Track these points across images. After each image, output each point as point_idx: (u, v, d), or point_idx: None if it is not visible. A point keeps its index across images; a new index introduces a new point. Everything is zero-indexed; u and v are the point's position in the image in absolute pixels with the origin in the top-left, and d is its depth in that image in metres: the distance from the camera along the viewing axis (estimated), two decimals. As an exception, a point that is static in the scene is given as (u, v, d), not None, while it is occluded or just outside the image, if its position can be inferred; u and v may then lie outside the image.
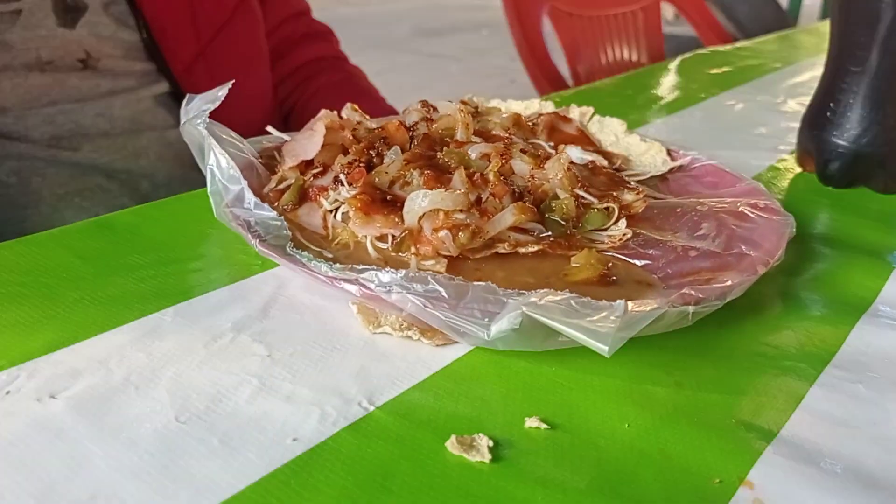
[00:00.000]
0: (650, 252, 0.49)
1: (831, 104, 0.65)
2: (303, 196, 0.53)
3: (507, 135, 0.60)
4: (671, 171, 0.62)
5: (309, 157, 0.55)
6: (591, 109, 0.68)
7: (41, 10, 0.73)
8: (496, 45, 4.78)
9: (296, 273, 0.44)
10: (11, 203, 0.72)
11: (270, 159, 0.58)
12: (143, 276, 0.46)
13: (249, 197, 0.48)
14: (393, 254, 0.47)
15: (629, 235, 0.50)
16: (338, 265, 0.41)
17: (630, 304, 0.38)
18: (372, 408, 0.35)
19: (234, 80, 0.53)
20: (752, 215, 0.52)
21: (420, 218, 0.47)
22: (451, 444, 0.33)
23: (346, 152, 0.55)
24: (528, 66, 1.62)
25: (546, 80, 1.60)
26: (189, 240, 0.51)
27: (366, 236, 0.48)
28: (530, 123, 0.65)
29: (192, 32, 0.84)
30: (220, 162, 0.49)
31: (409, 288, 0.39)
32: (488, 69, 4.40)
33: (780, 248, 0.47)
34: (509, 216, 0.48)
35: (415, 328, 0.41)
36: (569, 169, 0.53)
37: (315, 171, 0.54)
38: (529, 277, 0.46)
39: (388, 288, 0.40)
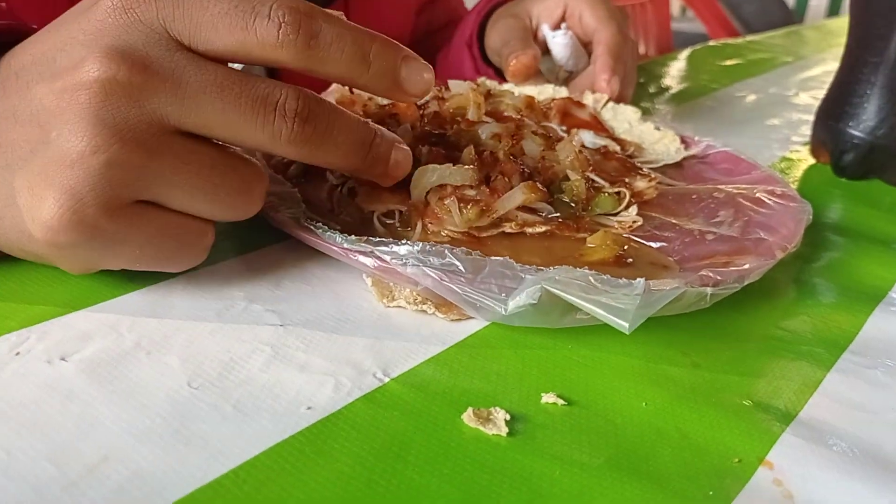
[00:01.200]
0: (666, 235, 0.49)
1: (848, 95, 0.65)
2: (309, 170, 0.52)
3: (519, 116, 0.60)
4: (686, 158, 0.61)
5: (319, 132, 0.54)
6: (605, 96, 0.67)
7: None
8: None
9: (309, 245, 0.44)
10: None
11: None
12: (154, 244, 0.45)
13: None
14: (399, 230, 0.47)
15: (639, 223, 0.49)
16: (353, 237, 0.41)
17: (651, 281, 0.38)
18: (387, 379, 0.35)
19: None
20: (768, 201, 0.51)
21: (427, 193, 0.47)
22: (468, 417, 0.32)
23: (356, 128, 0.54)
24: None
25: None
26: (199, 211, 0.50)
27: (372, 212, 0.48)
28: (543, 107, 0.64)
29: None
30: (233, 133, 0.48)
31: (426, 261, 0.39)
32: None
33: (797, 234, 0.47)
34: (519, 195, 0.47)
35: (429, 302, 0.40)
36: (580, 152, 0.53)
37: (324, 145, 0.53)
38: (536, 258, 0.46)
39: (404, 261, 0.39)
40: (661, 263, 0.46)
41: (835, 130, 0.66)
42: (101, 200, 0.34)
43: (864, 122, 0.64)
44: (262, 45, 0.35)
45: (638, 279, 0.37)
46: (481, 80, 0.70)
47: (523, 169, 0.50)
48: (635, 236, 0.49)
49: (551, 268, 0.38)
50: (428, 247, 0.39)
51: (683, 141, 0.63)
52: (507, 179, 0.48)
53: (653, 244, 0.48)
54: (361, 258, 0.40)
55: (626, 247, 0.47)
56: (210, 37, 0.35)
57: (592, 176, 0.52)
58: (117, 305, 0.39)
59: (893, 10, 0.61)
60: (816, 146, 0.70)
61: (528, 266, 0.39)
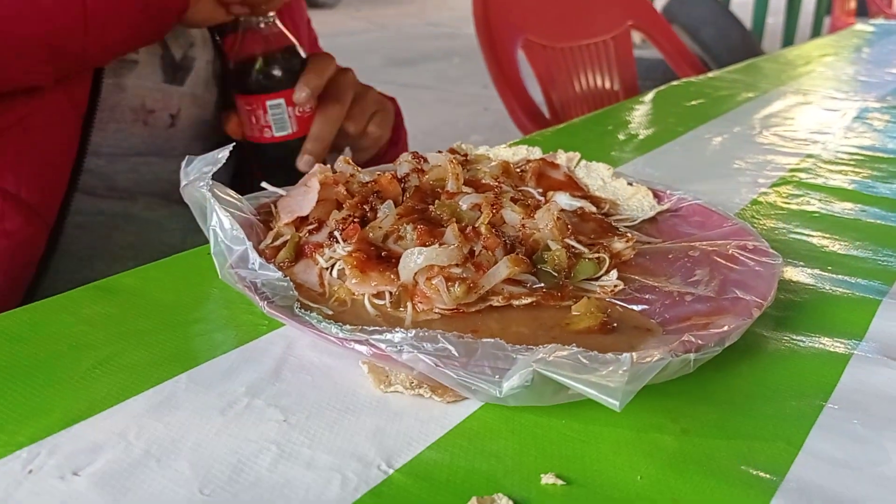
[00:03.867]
0: (646, 297, 0.50)
1: None
2: (298, 252, 0.54)
3: (496, 183, 0.62)
4: (659, 212, 0.63)
5: (304, 214, 0.56)
6: (578, 155, 0.69)
7: (151, 64, 0.81)
8: (468, 73, 4.83)
9: (304, 333, 0.45)
10: (70, 255, 0.79)
11: (268, 215, 0.59)
12: (153, 341, 0.46)
13: (254, 257, 0.48)
14: (391, 311, 0.48)
15: (620, 286, 0.51)
16: (348, 326, 0.42)
17: (635, 354, 0.39)
18: (391, 471, 0.36)
19: (234, 143, 0.54)
20: (741, 258, 0.53)
21: (415, 274, 0.48)
22: (473, 506, 0.34)
23: (340, 207, 0.56)
24: (504, 97, 1.65)
25: (522, 111, 1.62)
26: (193, 301, 0.52)
27: (363, 294, 0.49)
28: (518, 170, 0.66)
29: None
30: (224, 223, 0.50)
31: (420, 347, 0.40)
32: (461, 97, 4.45)
33: (771, 290, 0.49)
34: (503, 269, 0.49)
35: (425, 386, 0.42)
36: (558, 218, 0.54)
37: (310, 227, 0.55)
38: (524, 328, 0.47)
39: (399, 348, 0.41)
40: (644, 327, 0.48)
41: None
42: None
43: None
44: None
45: (624, 354, 0.38)
46: (457, 144, 0.72)
47: (505, 241, 0.52)
48: (617, 300, 0.50)
49: (541, 346, 0.39)
50: (421, 332, 0.41)
51: (656, 195, 0.65)
52: (490, 253, 0.50)
53: (635, 307, 0.50)
54: (357, 346, 0.42)
55: (609, 311, 0.49)
56: None
57: (572, 242, 0.54)
58: (123, 411, 0.40)
59: None
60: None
61: (518, 346, 0.41)
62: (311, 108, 0.81)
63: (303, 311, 0.45)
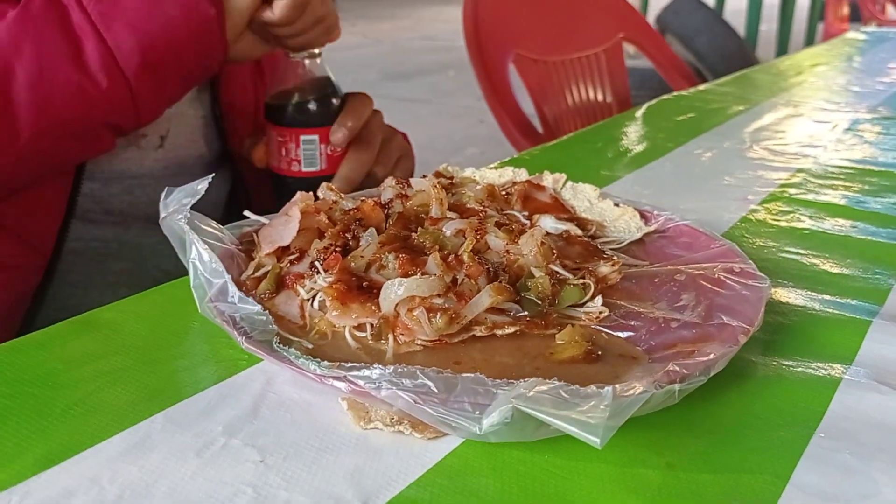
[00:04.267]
0: (632, 323, 0.50)
1: None
2: (280, 284, 0.53)
3: (481, 208, 0.61)
4: (647, 234, 0.63)
5: (285, 244, 0.55)
6: (564, 176, 0.69)
7: None
8: (463, 86, 4.83)
9: (283, 369, 0.44)
10: (64, 282, 0.78)
11: (250, 244, 0.58)
12: (129, 378, 0.46)
13: (233, 291, 0.48)
14: (372, 343, 0.48)
15: (605, 313, 0.50)
16: (325, 363, 0.41)
17: (618, 387, 0.39)
18: (368, 513, 0.35)
19: (214, 174, 0.53)
20: (728, 281, 0.53)
21: (396, 305, 0.48)
22: (451, 550, 0.33)
23: (322, 236, 0.56)
24: (495, 112, 1.65)
25: (514, 127, 1.62)
26: (172, 335, 0.51)
27: (344, 326, 0.48)
28: (504, 193, 0.66)
29: (253, 110, 0.91)
30: (203, 255, 0.49)
31: (399, 384, 0.40)
32: (457, 110, 4.45)
33: (758, 315, 0.48)
34: (486, 298, 0.48)
35: (405, 422, 0.41)
36: (543, 243, 0.54)
37: (291, 257, 0.54)
38: (508, 358, 0.47)
39: (377, 384, 0.40)
40: (630, 355, 0.47)
41: None
42: None
43: None
44: None
45: (606, 388, 0.38)
46: (443, 167, 0.72)
47: (488, 268, 0.51)
48: (602, 326, 0.50)
49: (521, 381, 0.39)
50: (400, 368, 0.40)
51: (643, 216, 0.65)
52: (473, 282, 0.50)
53: (620, 334, 0.49)
54: (335, 383, 0.41)
55: (594, 338, 0.48)
56: None
57: (556, 268, 0.53)
58: (98, 453, 0.39)
59: None
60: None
61: (499, 381, 0.40)
62: (342, 148, 0.81)
63: (281, 346, 0.44)
